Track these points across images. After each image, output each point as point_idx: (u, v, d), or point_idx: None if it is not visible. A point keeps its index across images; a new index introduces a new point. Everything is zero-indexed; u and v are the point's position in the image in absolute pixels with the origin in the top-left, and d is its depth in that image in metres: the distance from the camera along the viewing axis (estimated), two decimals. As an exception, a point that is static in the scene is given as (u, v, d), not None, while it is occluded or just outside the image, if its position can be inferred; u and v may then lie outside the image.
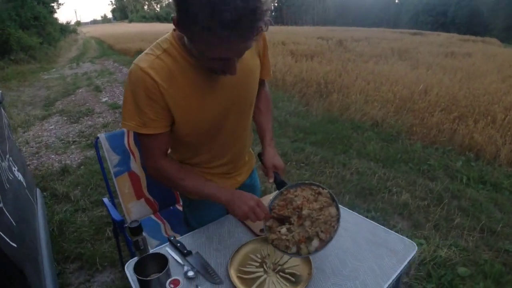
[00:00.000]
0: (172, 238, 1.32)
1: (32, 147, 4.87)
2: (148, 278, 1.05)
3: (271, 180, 1.31)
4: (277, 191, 1.29)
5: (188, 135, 1.19)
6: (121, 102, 6.97)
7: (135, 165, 2.08)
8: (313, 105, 5.77)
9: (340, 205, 1.17)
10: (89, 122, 5.78)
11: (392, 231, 1.38)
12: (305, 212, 1.13)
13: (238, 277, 1.14)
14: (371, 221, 1.44)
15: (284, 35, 16.66)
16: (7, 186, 1.61)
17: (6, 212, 1.38)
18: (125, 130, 2.08)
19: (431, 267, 2.31)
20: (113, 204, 2.12)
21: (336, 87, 6.26)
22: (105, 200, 2.06)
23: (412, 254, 1.26)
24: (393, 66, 8.01)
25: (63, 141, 4.98)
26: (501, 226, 2.73)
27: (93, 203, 3.23)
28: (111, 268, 2.39)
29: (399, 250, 1.28)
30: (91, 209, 3.12)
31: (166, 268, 1.07)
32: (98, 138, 2.03)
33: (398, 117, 4.98)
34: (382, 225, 1.42)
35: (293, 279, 1.14)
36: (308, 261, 1.18)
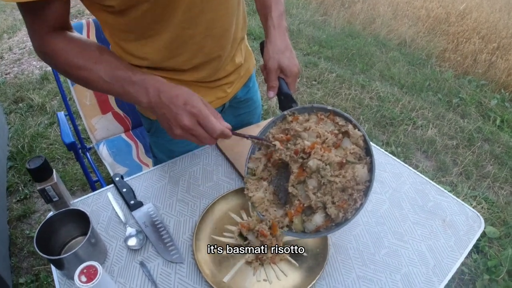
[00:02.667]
0: (117, 179, 0.86)
1: (15, 53, 4.33)
2: (57, 257, 0.61)
3: (272, 94, 0.76)
4: (280, 114, 0.75)
5: None
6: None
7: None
8: (332, 14, 4.90)
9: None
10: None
11: (449, 194, 0.90)
12: (312, 163, 0.64)
13: (208, 255, 0.70)
14: (419, 174, 0.95)
15: None
16: None
17: None
18: (84, 22, 1.55)
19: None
20: (72, 120, 1.66)
21: (362, -4, 5.32)
22: (60, 114, 1.57)
23: (478, 233, 0.81)
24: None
25: (47, 46, 4.38)
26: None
27: (75, 113, 2.79)
28: (82, 193, 2.03)
29: (458, 225, 0.82)
30: (68, 123, 2.69)
31: (82, 244, 0.62)
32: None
33: (430, 38, 4.23)
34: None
35: (295, 262, 0.70)
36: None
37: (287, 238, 0.73)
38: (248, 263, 0.69)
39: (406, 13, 4.72)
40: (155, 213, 0.78)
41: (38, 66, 3.90)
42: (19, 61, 4.14)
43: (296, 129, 0.68)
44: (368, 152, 0.64)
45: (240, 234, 0.71)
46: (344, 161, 0.63)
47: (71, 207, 0.69)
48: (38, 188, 0.68)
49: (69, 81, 1.54)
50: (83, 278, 0.58)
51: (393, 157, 0.99)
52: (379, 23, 4.49)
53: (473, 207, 1.94)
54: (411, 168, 0.96)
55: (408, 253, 0.74)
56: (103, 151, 1.53)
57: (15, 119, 2.84)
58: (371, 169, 0.63)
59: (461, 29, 4.46)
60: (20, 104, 3.00)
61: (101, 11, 0.67)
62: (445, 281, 0.71)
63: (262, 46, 0.81)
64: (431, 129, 2.70)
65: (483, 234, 1.86)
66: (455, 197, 0.89)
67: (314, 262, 0.69)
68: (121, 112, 1.63)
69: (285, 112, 0.72)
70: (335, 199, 0.62)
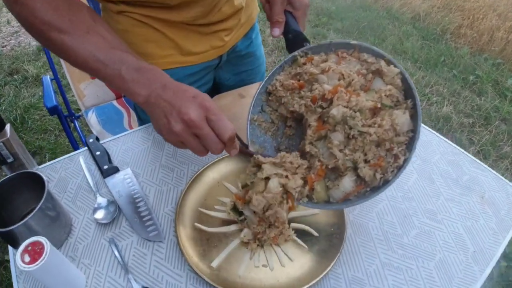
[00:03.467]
0: (91, 140, 0.71)
1: (13, 26, 4.18)
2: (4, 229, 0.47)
3: (278, 32, 0.57)
4: (289, 55, 0.57)
5: None
6: None
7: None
8: (343, -16, 4.67)
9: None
10: None
11: (486, 167, 0.74)
12: (336, 111, 0.47)
13: (194, 232, 0.56)
14: (451, 143, 0.79)
15: None
16: None
17: None
18: None
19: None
20: (59, 84, 1.51)
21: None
22: (45, 78, 1.42)
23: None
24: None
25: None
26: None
27: (66, 87, 2.65)
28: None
29: (499, 204, 0.66)
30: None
31: (34, 213, 0.48)
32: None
33: (445, 13, 3.99)
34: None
35: (304, 245, 0.55)
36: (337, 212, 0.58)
37: (292, 214, 0.58)
38: (244, 244, 0.54)
39: (421, -14, 4.44)
40: (133, 180, 0.63)
41: None
42: (16, 33, 4.01)
43: (311, 71, 0.51)
44: (408, 94, 0.47)
45: (235, 208, 0.56)
46: (379, 106, 0.47)
47: (25, 170, 0.55)
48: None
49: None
50: (27, 258, 0.44)
51: (421, 124, 0.83)
52: (392, -4, 4.24)
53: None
54: (441, 136, 0.80)
55: (443, 236, 0.59)
56: (92, 118, 1.39)
57: (10, 91, 2.71)
58: (415, 116, 0.46)
59: (477, 5, 4.21)
60: (15, 76, 2.86)
61: None
62: (488, 271, 0.57)
63: None
64: (447, 106, 2.52)
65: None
66: (494, 171, 0.73)
67: (327, 244, 0.54)
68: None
69: (296, 53, 0.55)
70: (368, 156, 0.46)
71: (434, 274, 0.54)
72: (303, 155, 0.51)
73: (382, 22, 3.72)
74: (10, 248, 0.56)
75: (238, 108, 0.76)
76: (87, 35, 0.48)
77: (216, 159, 0.66)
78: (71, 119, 1.51)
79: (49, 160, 1.80)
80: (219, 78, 0.89)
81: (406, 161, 0.45)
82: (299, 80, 0.53)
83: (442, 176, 0.70)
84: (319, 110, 0.50)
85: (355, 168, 0.47)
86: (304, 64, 0.53)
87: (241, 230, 0.55)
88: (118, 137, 0.74)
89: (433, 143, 0.78)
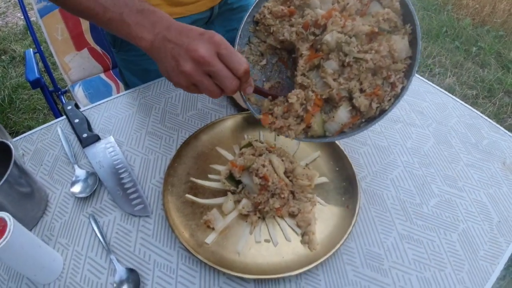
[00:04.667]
0: (69, 107, 0.63)
1: (0, 7, 4.02)
2: None
3: None
4: None
5: None
6: None
7: None
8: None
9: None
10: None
11: (506, 131, 0.67)
12: (330, 37, 0.41)
13: (186, 207, 0.49)
14: (468, 106, 0.71)
15: None
16: None
17: None
18: None
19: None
20: (43, 57, 1.41)
21: None
22: (28, 52, 1.33)
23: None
24: None
25: (32, -4, 4.02)
26: None
27: (54, 65, 2.55)
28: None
29: (531, 165, 0.59)
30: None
31: (4, 177, 0.40)
32: None
33: (446, -16, 3.83)
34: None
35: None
36: (347, 176, 0.51)
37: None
38: (243, 216, 0.47)
39: (421, -44, 4.26)
40: (115, 150, 0.56)
41: (22, 17, 3.61)
42: (3, 14, 3.86)
43: None
44: (407, 18, 0.42)
45: (231, 177, 0.49)
46: (376, 31, 0.41)
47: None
48: None
49: (37, 11, 1.28)
50: None
51: (434, 85, 0.75)
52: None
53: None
54: (457, 99, 0.72)
55: (465, 204, 0.52)
56: (79, 93, 1.30)
57: (-3, 72, 2.61)
58: (414, 42, 0.42)
59: (480, -26, 4.04)
60: (3, 57, 2.77)
61: None
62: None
63: None
64: (450, 77, 2.44)
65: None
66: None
67: (338, 216, 0.47)
68: (98, 49, 1.37)
69: None
70: (364, 85, 0.41)
71: (458, 247, 0.47)
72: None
73: (382, -7, 3.58)
74: None
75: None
76: None
77: (210, 123, 0.58)
78: (57, 94, 1.42)
79: None
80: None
81: (404, 89, 0.41)
82: (289, 6, 0.46)
83: (460, 140, 0.63)
84: (312, 37, 0.44)
85: (350, 98, 0.42)
86: None
87: (238, 201, 0.48)
88: (99, 104, 0.66)
89: (449, 106, 0.70)
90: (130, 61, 0.74)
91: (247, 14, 0.48)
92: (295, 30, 0.45)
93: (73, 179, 0.52)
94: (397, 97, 0.41)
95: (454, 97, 0.73)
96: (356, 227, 0.47)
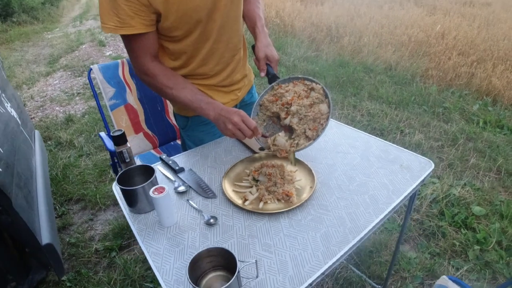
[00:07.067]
0: (163, 157, 1.21)
1: (37, 101, 4.79)
2: (131, 188, 0.94)
3: (263, 74, 1.16)
4: (269, 86, 1.16)
5: (178, 27, 1.02)
6: (125, 55, 6.58)
7: (132, 98, 1.95)
8: (323, 49, 5.43)
9: (339, 121, 1.03)
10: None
11: (406, 149, 1.23)
12: (293, 108, 1.04)
13: (233, 191, 1.03)
14: (383, 140, 1.29)
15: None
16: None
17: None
18: (119, 61, 1.95)
19: (444, 205, 2.19)
20: (110, 138, 2.03)
21: (348, 30, 5.87)
22: (102, 134, 1.95)
23: (428, 172, 1.12)
24: (409, 11, 7.48)
25: (67, 94, 4.88)
26: (519, 167, 2.56)
27: (97, 148, 3.17)
28: (114, 207, 2.35)
29: (413, 167, 1.14)
30: (95, 154, 3.07)
31: (152, 178, 0.95)
32: (91, 69, 1.91)
33: (413, 60, 4.67)
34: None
35: (299, 187, 1.03)
36: (311, 175, 1.06)
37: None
38: (260, 196, 1.01)
39: (390, 41, 5.22)
40: (193, 173, 1.12)
41: (61, 110, 4.33)
42: (42, 107, 4.56)
43: (280, 92, 1.09)
44: (326, 95, 1.04)
45: (254, 178, 1.04)
46: (312, 103, 1.02)
47: (141, 164, 1.03)
48: (117, 150, 1.03)
49: (109, 107, 1.92)
50: (156, 192, 0.90)
51: (363, 132, 1.34)
52: (366, 52, 4.98)
53: (458, 192, 2.24)
54: (377, 138, 1.30)
55: (373, 184, 1.06)
56: (137, 162, 1.89)
57: (47, 154, 3.19)
58: (329, 105, 1.03)
59: (441, 48, 4.91)
60: (49, 142, 3.38)
61: (164, 40, 1.07)
62: (401, 198, 1.01)
63: (253, 48, 1.21)
64: (417, 135, 3.02)
65: (471, 213, 2.12)
66: (412, 151, 1.22)
67: (307, 190, 1.01)
68: (150, 132, 2.00)
69: (273, 84, 1.13)
70: (310, 126, 1.00)
71: (368, 201, 0.99)
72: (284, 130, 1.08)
73: (359, 75, 4.39)
74: (124, 208, 1.02)
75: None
76: (183, 89, 1.04)
77: (241, 159, 1.15)
78: (119, 164, 2.01)
79: (93, 205, 2.29)
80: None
81: (325, 125, 1.00)
82: (275, 96, 1.07)
83: (375, 157, 1.19)
84: (285, 109, 1.05)
85: (304, 132, 1.01)
86: (277, 89, 1.10)
87: (256, 189, 1.02)
88: (177, 156, 1.25)
89: (371, 141, 1.27)
90: (193, 135, 1.34)
91: (256, 102, 1.10)
92: (278, 106, 1.06)
93: (175, 185, 1.07)
94: (323, 129, 1.00)
95: (376, 137, 1.30)
96: (314, 195, 1.01)
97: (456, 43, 5.04)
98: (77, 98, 4.67)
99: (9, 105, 2.08)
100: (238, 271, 0.66)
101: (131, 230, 2.11)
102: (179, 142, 2.07)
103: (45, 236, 1.40)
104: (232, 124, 0.99)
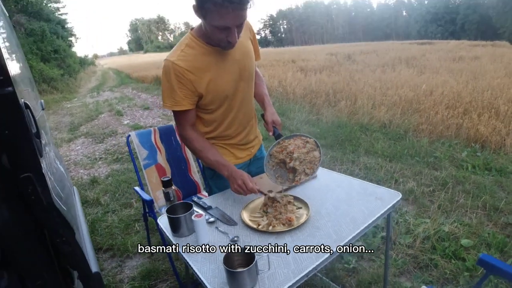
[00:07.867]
0: (195, 199, 1.60)
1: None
2: (177, 216, 1.32)
3: (271, 133, 1.60)
4: (275, 142, 1.60)
5: (213, 102, 1.50)
6: (141, 123, 7.26)
7: (161, 159, 2.40)
8: (323, 113, 6.04)
9: (324, 161, 1.47)
10: (113, 142, 6.20)
11: (381, 186, 1.62)
12: (295, 155, 1.47)
13: (249, 220, 1.41)
14: (363, 181, 1.68)
15: (294, 54, 17.14)
16: (54, 168, 1.94)
17: (55, 182, 1.68)
18: (152, 129, 2.44)
19: (435, 240, 2.47)
20: (144, 194, 2.43)
21: (344, 95, 6.54)
22: (136, 188, 2.36)
23: (396, 200, 1.50)
24: (400, 73, 8.24)
25: (90, 158, 5.38)
26: (504, 203, 2.87)
27: (122, 206, 3.55)
28: (141, 254, 2.66)
29: (385, 198, 1.51)
30: (120, 210, 3.43)
31: (191, 209, 1.34)
32: (129, 135, 2.38)
33: (405, 117, 5.17)
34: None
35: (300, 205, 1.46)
36: (307, 207, 1.44)
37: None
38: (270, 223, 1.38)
39: (382, 102, 5.81)
40: (219, 209, 1.51)
41: (85, 173, 4.78)
42: (67, 169, 5.02)
43: (284, 145, 1.54)
44: (317, 145, 1.50)
45: (264, 211, 1.42)
46: (308, 151, 1.46)
47: (184, 201, 1.42)
48: (165, 191, 1.43)
49: (143, 166, 2.36)
50: (196, 217, 1.27)
51: (348, 176, 1.73)
52: (361, 114, 5.54)
53: (448, 228, 2.55)
54: (359, 179, 1.69)
55: (354, 210, 1.43)
56: (162, 210, 2.27)
57: (76, 211, 3.55)
58: (320, 152, 1.48)
59: (429, 104, 5.45)
60: (76, 202, 3.78)
61: (201, 112, 1.55)
62: (374, 218, 1.38)
63: (262, 116, 1.68)
64: (410, 182, 3.38)
65: (460, 246, 2.40)
66: (386, 188, 1.60)
67: (305, 212, 1.38)
68: (176, 188, 2.41)
69: (279, 140, 1.57)
70: (307, 166, 1.43)
71: (348, 221, 1.35)
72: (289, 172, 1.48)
73: (356, 134, 4.88)
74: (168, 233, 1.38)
75: (259, 182, 1.69)
76: (208, 151, 1.51)
77: (254, 199, 1.54)
78: (149, 214, 2.39)
79: (121, 253, 2.62)
80: (249, 167, 1.85)
81: (318, 166, 1.45)
82: (281, 148, 1.52)
83: (357, 193, 1.57)
84: (289, 156, 1.48)
85: (304, 171, 1.43)
86: (282, 143, 1.55)
87: (267, 217, 1.40)
88: (205, 199, 1.63)
89: (354, 184, 1.66)
90: (219, 182, 1.74)
91: (267, 153, 1.55)
92: (284, 155, 1.50)
93: (206, 217, 1.45)
94: (317, 168, 1.44)
95: (359, 179, 1.69)
96: (309, 219, 1.38)
97: (443, 98, 5.60)
98: (99, 162, 5.16)
99: (58, 162, 2.54)
100: (256, 261, 1.02)
101: (157, 272, 2.44)
102: (199, 195, 2.46)
103: (93, 266, 1.73)
104: (236, 185, 1.44)
